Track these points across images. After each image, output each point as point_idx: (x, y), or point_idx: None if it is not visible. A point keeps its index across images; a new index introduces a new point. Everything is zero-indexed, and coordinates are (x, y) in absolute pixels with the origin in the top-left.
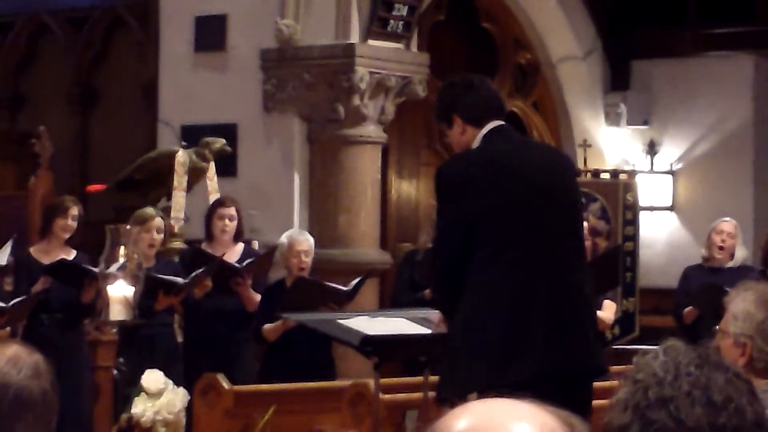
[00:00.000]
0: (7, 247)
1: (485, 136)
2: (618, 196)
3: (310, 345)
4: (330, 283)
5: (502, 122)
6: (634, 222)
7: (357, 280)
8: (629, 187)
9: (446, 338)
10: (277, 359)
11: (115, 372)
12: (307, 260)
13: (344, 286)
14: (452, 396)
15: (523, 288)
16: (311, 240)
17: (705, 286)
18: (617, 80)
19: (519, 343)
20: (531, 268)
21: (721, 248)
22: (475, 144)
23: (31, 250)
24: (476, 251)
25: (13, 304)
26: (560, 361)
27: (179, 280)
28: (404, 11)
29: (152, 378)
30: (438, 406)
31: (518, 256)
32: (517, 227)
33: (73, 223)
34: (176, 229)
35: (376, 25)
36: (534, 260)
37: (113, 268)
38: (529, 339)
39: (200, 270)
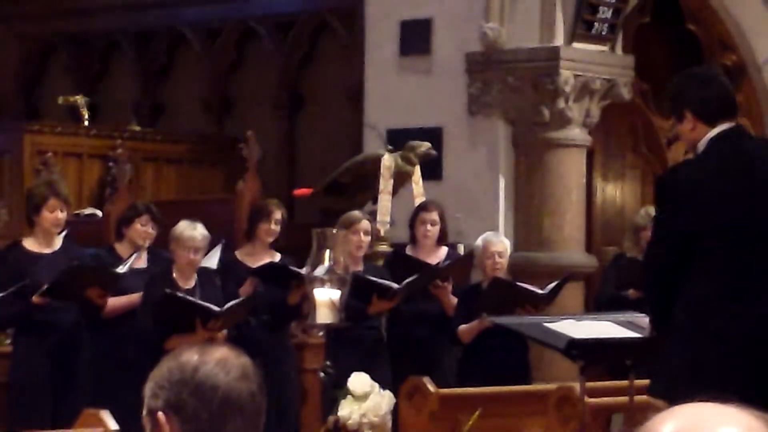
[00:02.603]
0: (216, 251)
1: (714, 138)
2: None
3: (506, 348)
4: (526, 285)
5: (734, 123)
6: None
7: (554, 283)
8: None
9: (660, 350)
10: (473, 362)
11: (321, 374)
12: (502, 261)
13: (542, 289)
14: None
15: (742, 310)
16: (506, 242)
17: None
18: None
19: (729, 370)
20: (752, 289)
21: None
22: (703, 143)
23: (237, 253)
24: (693, 265)
25: (227, 309)
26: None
27: (393, 284)
28: (609, 14)
29: (358, 381)
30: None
31: (738, 275)
32: (740, 244)
33: (276, 228)
34: (382, 233)
35: (581, 28)
36: (756, 280)
37: (319, 271)
38: (740, 366)
39: (415, 277)
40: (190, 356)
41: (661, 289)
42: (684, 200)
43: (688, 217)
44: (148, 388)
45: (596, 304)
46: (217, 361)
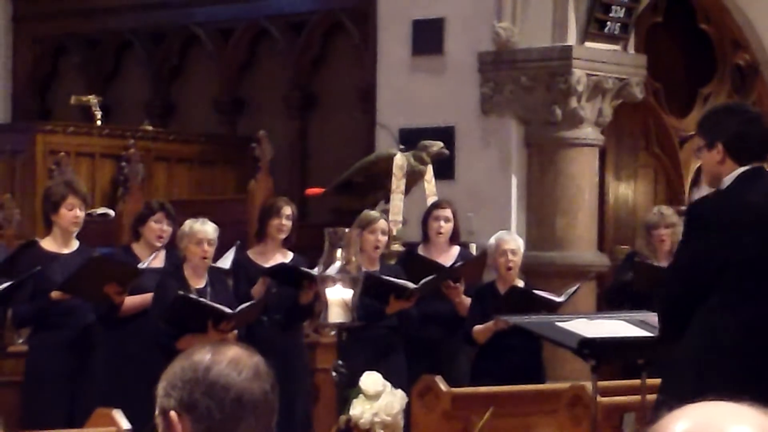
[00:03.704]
0: (230, 253)
1: (742, 176)
2: None
3: (520, 349)
4: (543, 293)
5: (761, 165)
6: None
7: (571, 290)
8: None
9: (672, 370)
10: (487, 362)
11: (333, 374)
12: (515, 259)
13: (561, 290)
14: None
15: (760, 345)
16: (519, 240)
17: None
18: None
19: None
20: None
21: None
22: (729, 179)
23: (249, 252)
24: (714, 294)
25: (239, 311)
26: None
27: (409, 284)
28: (621, 13)
29: (370, 380)
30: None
31: (758, 312)
32: (762, 280)
33: (287, 223)
34: (394, 232)
35: (593, 27)
36: None
37: (331, 271)
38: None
39: (432, 277)
40: (203, 356)
41: (677, 315)
42: (714, 231)
43: (717, 248)
44: (161, 388)
45: (605, 299)
46: (230, 361)
